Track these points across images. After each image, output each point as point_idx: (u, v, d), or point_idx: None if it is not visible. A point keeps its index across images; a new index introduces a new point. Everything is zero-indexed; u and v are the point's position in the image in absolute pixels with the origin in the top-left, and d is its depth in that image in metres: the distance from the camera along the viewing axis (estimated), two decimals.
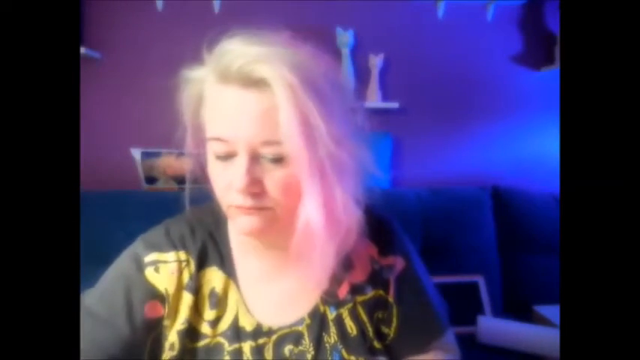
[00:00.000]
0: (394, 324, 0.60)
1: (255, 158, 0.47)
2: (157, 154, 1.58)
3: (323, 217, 0.47)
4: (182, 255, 0.57)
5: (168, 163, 1.58)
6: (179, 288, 0.56)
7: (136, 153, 1.59)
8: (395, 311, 0.60)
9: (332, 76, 0.50)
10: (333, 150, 0.46)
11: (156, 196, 1.44)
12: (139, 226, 0.62)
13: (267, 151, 0.47)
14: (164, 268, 0.55)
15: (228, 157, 0.48)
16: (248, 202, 0.48)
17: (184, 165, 0.56)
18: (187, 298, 0.56)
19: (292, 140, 0.45)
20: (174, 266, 0.56)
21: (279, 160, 0.47)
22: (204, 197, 0.54)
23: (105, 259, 0.61)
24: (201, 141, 0.52)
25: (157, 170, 1.60)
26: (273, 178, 0.48)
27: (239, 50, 0.46)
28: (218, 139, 0.48)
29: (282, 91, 0.44)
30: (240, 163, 0.47)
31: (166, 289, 0.55)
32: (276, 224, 0.51)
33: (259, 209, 0.49)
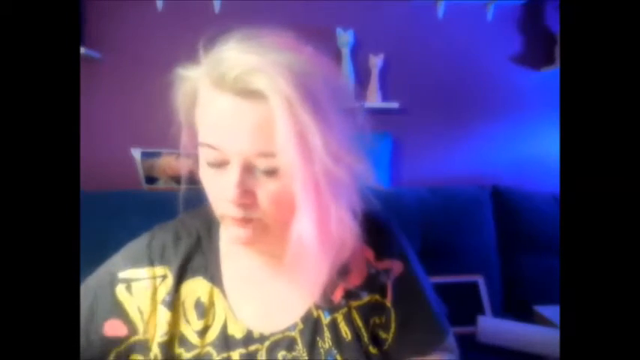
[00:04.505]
0: (392, 329, 0.59)
1: (248, 169, 0.46)
2: (157, 154, 1.58)
3: (317, 232, 0.46)
4: (159, 270, 0.56)
5: (168, 163, 1.58)
6: (154, 304, 0.55)
7: (136, 153, 1.59)
8: (393, 316, 0.59)
9: (331, 79, 0.48)
10: (330, 166, 0.44)
11: (156, 196, 1.44)
12: (139, 226, 0.62)
13: (261, 163, 0.45)
14: (137, 287, 0.55)
15: (220, 165, 0.47)
16: (239, 213, 0.47)
17: (184, 165, 0.55)
18: (164, 313, 0.55)
19: (288, 154, 0.43)
20: (147, 283, 0.55)
21: (272, 172, 0.45)
22: (201, 198, 0.53)
23: (105, 260, 0.61)
24: (195, 141, 0.50)
25: (157, 170, 1.60)
26: (265, 191, 0.46)
27: (236, 59, 0.44)
28: (210, 147, 0.46)
29: (279, 104, 0.42)
30: (232, 174, 0.45)
31: (139, 307, 0.55)
32: (267, 234, 0.50)
33: (250, 220, 0.48)
